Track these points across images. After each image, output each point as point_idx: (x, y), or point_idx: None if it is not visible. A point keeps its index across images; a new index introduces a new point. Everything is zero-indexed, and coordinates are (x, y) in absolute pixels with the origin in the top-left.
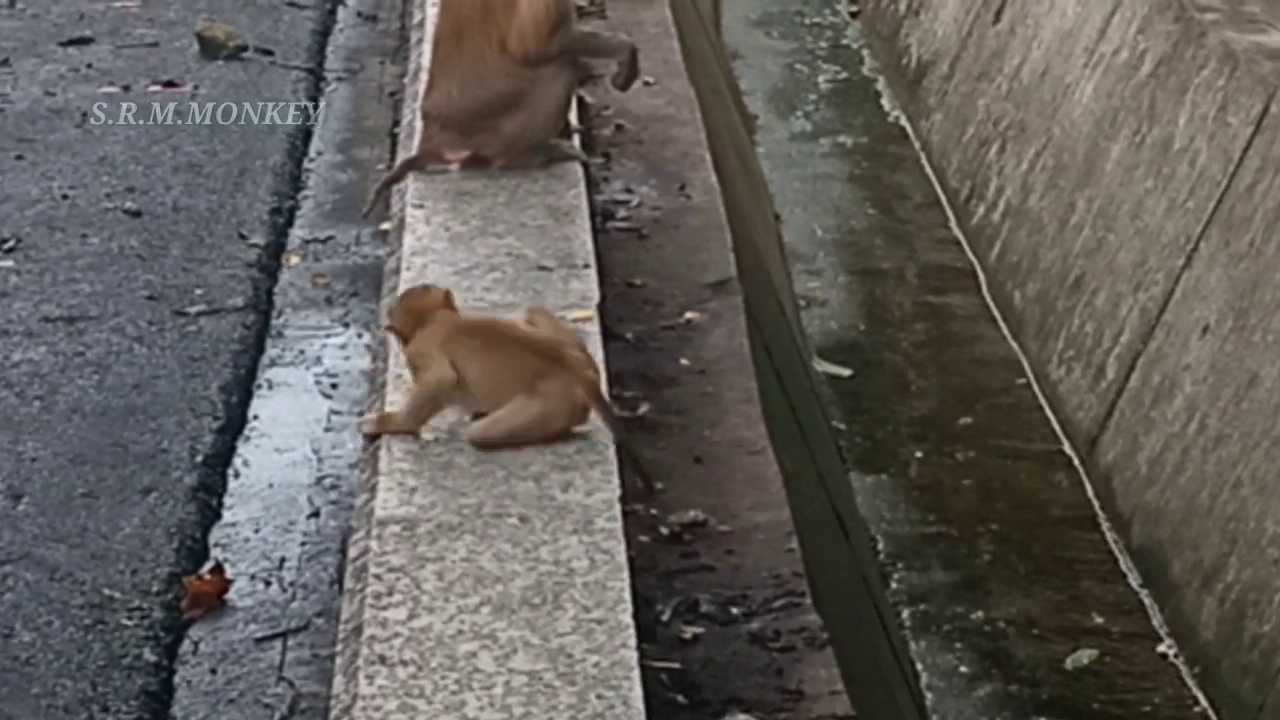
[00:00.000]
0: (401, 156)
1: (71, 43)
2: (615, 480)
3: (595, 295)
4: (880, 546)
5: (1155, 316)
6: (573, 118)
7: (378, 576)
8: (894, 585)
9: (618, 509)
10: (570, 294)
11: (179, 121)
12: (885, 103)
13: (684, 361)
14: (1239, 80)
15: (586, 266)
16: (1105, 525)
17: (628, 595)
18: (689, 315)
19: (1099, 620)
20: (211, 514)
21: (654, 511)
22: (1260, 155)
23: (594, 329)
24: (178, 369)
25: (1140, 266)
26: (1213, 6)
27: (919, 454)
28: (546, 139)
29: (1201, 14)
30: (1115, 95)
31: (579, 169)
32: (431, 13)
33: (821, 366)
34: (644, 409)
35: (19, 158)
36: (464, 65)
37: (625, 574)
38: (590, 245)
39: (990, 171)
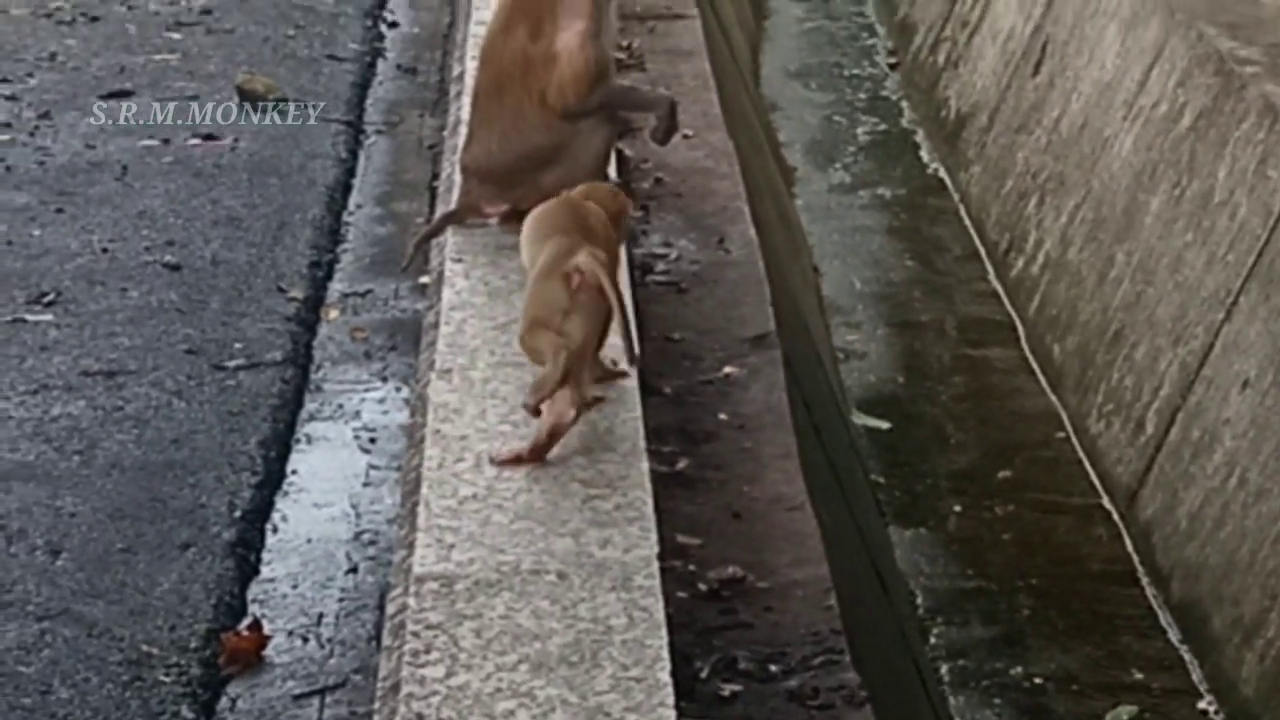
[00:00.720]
0: (440, 210)
1: (112, 95)
2: (653, 537)
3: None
4: (919, 601)
5: (1195, 371)
6: (612, 171)
7: (415, 634)
8: (933, 640)
9: (655, 566)
10: (609, 348)
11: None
12: (924, 154)
13: (723, 416)
14: (1279, 133)
15: None
16: (1145, 580)
17: (666, 653)
18: (728, 370)
19: (1139, 676)
20: (250, 569)
21: (692, 568)
22: None
23: (632, 383)
24: (216, 424)
25: (1180, 320)
26: (1253, 59)
27: (958, 507)
28: None
29: (1241, 67)
30: (1155, 148)
31: None
32: (471, 66)
33: (860, 419)
34: (682, 464)
35: (59, 211)
36: (503, 119)
37: (663, 631)
38: (629, 299)
39: (1029, 224)
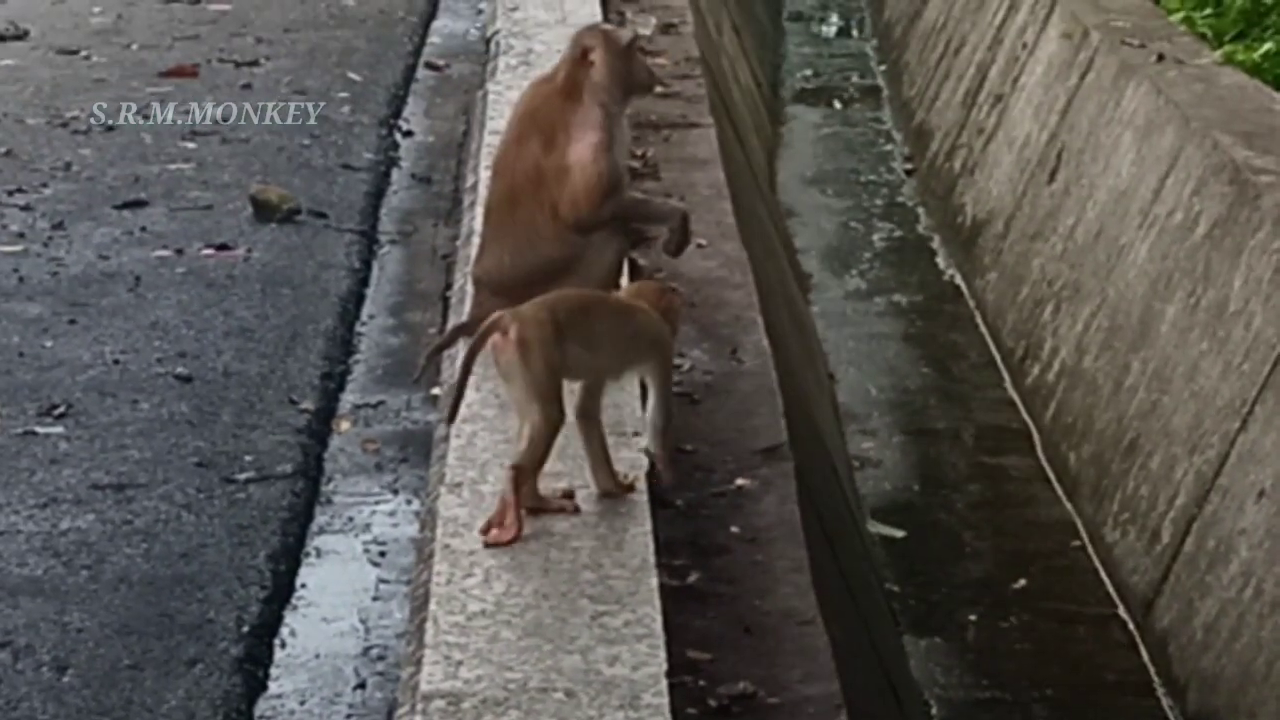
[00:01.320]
0: (453, 322)
1: (126, 206)
2: (662, 654)
3: (645, 463)
4: (933, 711)
5: (1210, 480)
6: (624, 282)
7: None
8: None
9: (664, 684)
10: (620, 462)
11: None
12: (940, 261)
13: (734, 529)
14: None
15: (636, 434)
16: (1161, 691)
17: None
18: (740, 482)
19: None
20: (257, 685)
21: (702, 683)
22: None
23: (643, 496)
24: (226, 537)
25: (1195, 429)
26: (1268, 169)
27: (973, 616)
28: None
29: (1256, 176)
30: (1170, 257)
31: None
32: (485, 176)
33: (875, 528)
34: (693, 578)
35: (72, 322)
36: (516, 231)
37: None
38: (640, 413)
39: (1045, 331)
